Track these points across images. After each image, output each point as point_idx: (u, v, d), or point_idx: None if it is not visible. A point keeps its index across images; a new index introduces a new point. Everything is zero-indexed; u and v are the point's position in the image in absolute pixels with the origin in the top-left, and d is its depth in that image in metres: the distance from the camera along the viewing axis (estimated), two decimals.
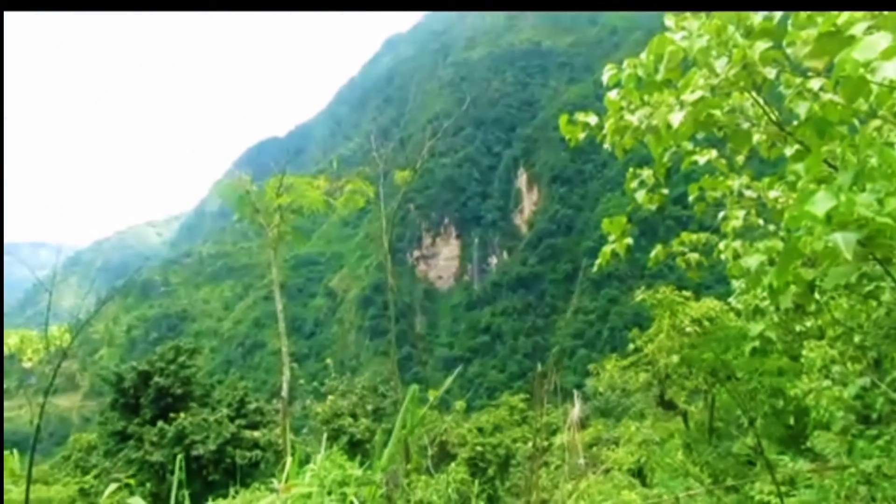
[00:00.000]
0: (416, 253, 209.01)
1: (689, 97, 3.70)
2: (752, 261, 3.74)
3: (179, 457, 4.23)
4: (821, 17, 3.17)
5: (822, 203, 2.48)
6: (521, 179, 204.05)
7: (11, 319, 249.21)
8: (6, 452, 5.83)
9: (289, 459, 3.24)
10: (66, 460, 30.83)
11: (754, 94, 3.82)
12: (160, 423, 23.44)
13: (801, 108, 3.72)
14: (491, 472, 24.49)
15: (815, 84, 3.67)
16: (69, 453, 31.25)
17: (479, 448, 24.89)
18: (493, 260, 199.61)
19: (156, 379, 25.06)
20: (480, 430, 26.48)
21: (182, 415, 23.76)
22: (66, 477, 27.22)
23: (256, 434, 24.26)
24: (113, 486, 3.47)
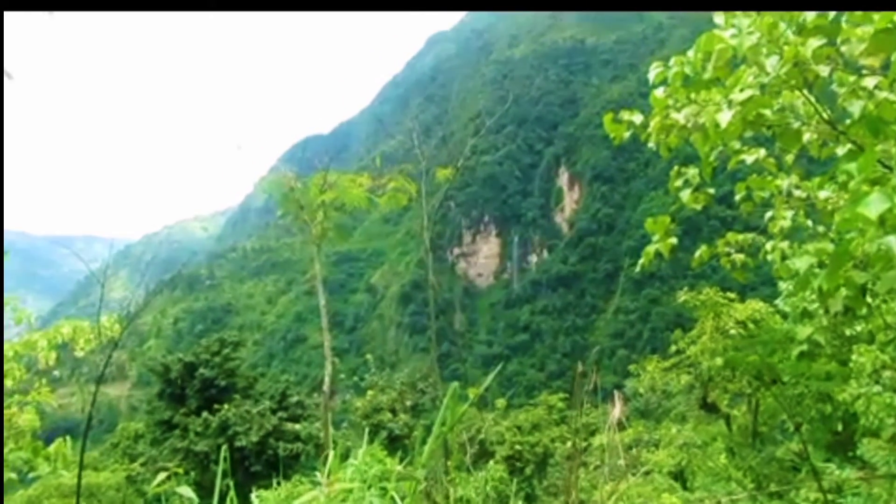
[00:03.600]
0: (457, 250, 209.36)
1: (738, 96, 3.64)
2: (800, 263, 3.66)
3: (223, 447, 4.33)
4: (877, 15, 3.08)
5: (875, 205, 2.38)
6: (563, 178, 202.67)
7: (65, 310, 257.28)
8: (59, 440, 6.04)
9: (330, 453, 3.28)
10: (114, 447, 31.70)
11: (806, 92, 3.74)
12: (205, 414, 23.90)
13: (855, 107, 3.62)
14: (528, 471, 24.42)
15: (870, 82, 3.57)
16: (117, 441, 32.11)
17: (517, 447, 24.84)
18: (533, 258, 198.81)
19: (201, 370, 25.57)
20: (519, 428, 26.43)
21: (226, 406, 24.19)
22: (115, 464, 28.04)
23: (297, 427, 24.58)
24: (162, 475, 3.57)
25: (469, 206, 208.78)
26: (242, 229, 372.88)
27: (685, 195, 4.74)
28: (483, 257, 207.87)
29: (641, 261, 5.09)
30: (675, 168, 4.85)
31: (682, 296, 13.70)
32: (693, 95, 3.94)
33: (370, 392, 24.21)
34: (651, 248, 4.87)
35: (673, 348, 15.20)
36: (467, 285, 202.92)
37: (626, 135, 4.41)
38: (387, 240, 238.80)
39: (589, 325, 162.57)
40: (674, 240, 4.83)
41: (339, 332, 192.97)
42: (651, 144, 4.25)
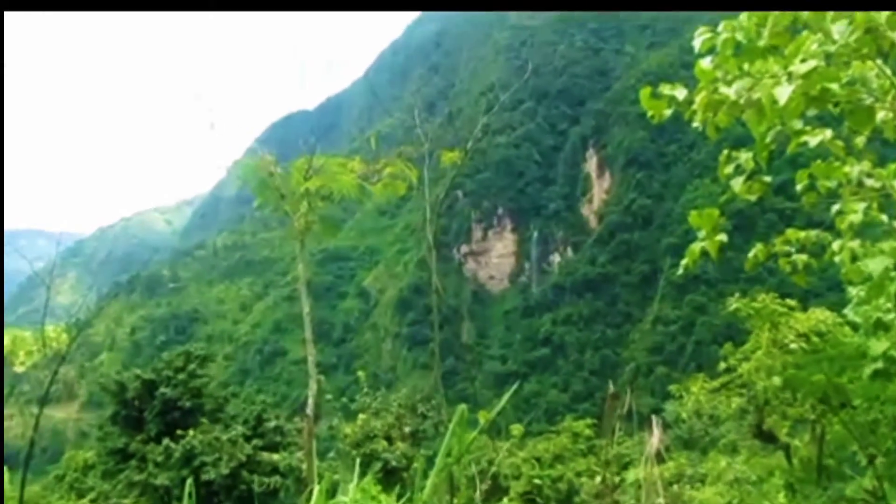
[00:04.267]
0: (465, 248, 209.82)
1: (799, 67, 3.63)
2: (874, 264, 3.66)
3: (188, 481, 4.34)
4: None
5: None
6: (591, 162, 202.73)
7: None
8: None
9: (315, 488, 3.30)
10: (59, 481, 31.71)
11: (879, 62, 3.73)
12: (166, 441, 23.95)
13: None
14: None
15: None
16: (63, 473, 32.17)
17: (536, 481, 24.82)
18: (556, 258, 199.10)
19: (162, 390, 25.64)
20: (538, 460, 26.42)
21: (191, 432, 24.23)
22: (60, 500, 28.11)
23: (276, 457, 24.64)
24: None
25: (480, 196, 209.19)
26: (212, 222, 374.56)
27: (737, 184, 4.74)
28: (496, 257, 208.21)
29: (684, 261, 5.09)
30: (725, 152, 4.85)
31: (733, 303, 13.66)
32: (746, 66, 3.93)
33: (362, 416, 24.24)
34: (696, 247, 4.87)
35: (722, 365, 15.18)
36: (477, 289, 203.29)
37: (667, 112, 4.40)
38: (382, 235, 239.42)
39: (622, 338, 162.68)
40: (723, 237, 4.83)
41: (326, 345, 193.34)
42: (696, 124, 4.25)
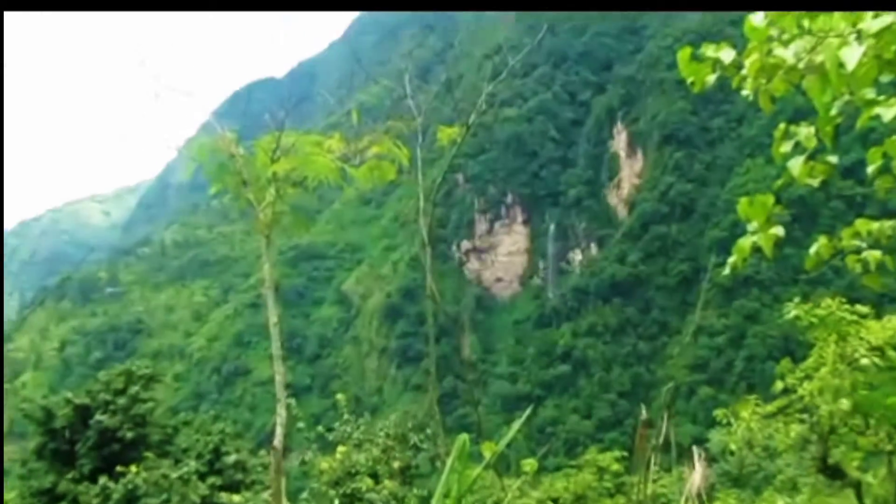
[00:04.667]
0: (466, 244, 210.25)
1: (871, 24, 3.63)
2: None
3: None
4: None
5: None
6: (619, 140, 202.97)
7: None
8: None
9: None
10: None
11: None
12: (103, 480, 23.85)
13: None
14: None
15: None
16: None
17: None
18: (577, 256, 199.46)
19: (98, 417, 25.58)
20: (556, 501, 26.45)
21: (134, 468, 24.15)
22: None
23: (237, 498, 24.60)
24: None
25: (485, 182, 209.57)
26: (160, 214, 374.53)
27: (795, 165, 4.72)
28: (505, 254, 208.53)
29: (732, 259, 5.08)
30: (781, 126, 4.84)
31: (792, 310, 13.68)
32: (807, 23, 3.93)
33: (341, 448, 24.25)
34: (746, 242, 4.86)
35: (778, 386, 15.20)
36: (482, 294, 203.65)
37: (711, 79, 4.40)
38: (366, 229, 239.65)
39: (657, 352, 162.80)
40: (779, 229, 4.81)
41: (298, 362, 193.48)
42: (746, 93, 4.24)
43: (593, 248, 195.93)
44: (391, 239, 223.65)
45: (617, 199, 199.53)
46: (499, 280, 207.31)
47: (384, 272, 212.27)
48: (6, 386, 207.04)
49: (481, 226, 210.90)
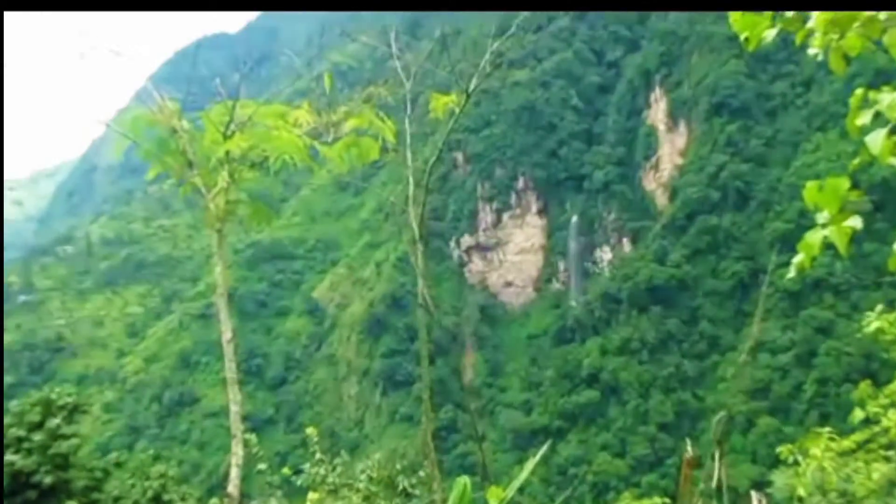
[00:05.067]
0: (468, 240, 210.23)
1: None
2: None
3: None
4: None
5: None
6: (658, 110, 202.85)
7: None
8: None
9: None
10: None
11: None
12: None
13: None
14: None
15: None
16: None
17: None
18: (605, 254, 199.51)
19: (10, 457, 25.56)
20: None
21: None
22: None
23: None
24: None
25: (490, 162, 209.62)
26: (84, 203, 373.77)
27: (876, 140, 4.71)
28: (515, 252, 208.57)
29: (798, 258, 5.07)
30: (858, 92, 4.82)
31: (874, 321, 13.70)
32: None
33: (313, 496, 24.27)
34: (815, 237, 4.85)
35: (858, 415, 15.20)
36: (487, 302, 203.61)
37: (770, 34, 4.39)
38: (342, 222, 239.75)
39: (706, 374, 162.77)
40: (856, 221, 4.80)
41: (258, 388, 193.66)
42: (814, 51, 4.24)
43: (626, 245, 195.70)
44: (374, 234, 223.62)
45: (655, 183, 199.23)
46: (508, 284, 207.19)
47: (365, 275, 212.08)
48: None
49: (486, 217, 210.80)
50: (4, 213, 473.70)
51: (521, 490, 4.20)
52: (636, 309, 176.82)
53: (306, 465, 26.26)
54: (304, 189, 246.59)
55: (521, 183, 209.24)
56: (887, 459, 15.73)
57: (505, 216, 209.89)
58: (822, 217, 4.78)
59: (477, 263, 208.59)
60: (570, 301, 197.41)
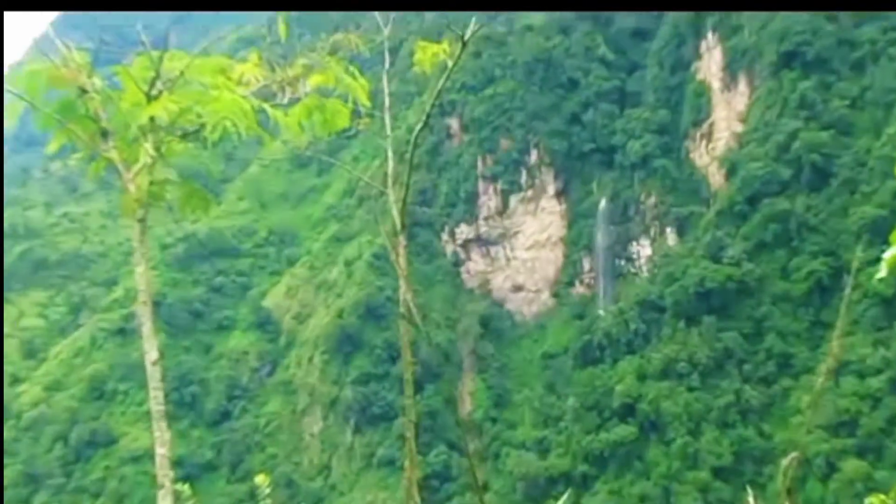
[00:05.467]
0: (465, 231, 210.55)
1: None
2: None
3: None
4: None
5: None
6: (709, 61, 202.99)
7: None
8: None
9: None
10: None
11: None
12: None
13: None
14: None
15: None
16: None
17: None
18: (644, 248, 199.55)
19: None
20: None
21: None
22: None
23: None
24: None
25: (494, 130, 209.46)
26: None
27: None
28: (527, 246, 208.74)
29: (891, 252, 5.08)
30: None
31: None
32: None
33: None
34: None
35: None
36: (491, 311, 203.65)
37: None
38: (302, 208, 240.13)
39: (774, 404, 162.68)
40: None
41: (194, 424, 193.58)
42: None
43: (670, 236, 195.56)
44: (343, 224, 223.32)
45: (707, 156, 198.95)
46: (518, 288, 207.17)
47: (332, 277, 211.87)
48: None
49: (489, 201, 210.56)
50: None
51: None
52: (683, 320, 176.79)
53: None
54: (253, 166, 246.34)
55: (533, 157, 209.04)
56: None
57: (513, 200, 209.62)
58: None
59: (477, 261, 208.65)
60: (598, 310, 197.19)
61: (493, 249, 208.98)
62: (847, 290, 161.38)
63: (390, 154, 11.95)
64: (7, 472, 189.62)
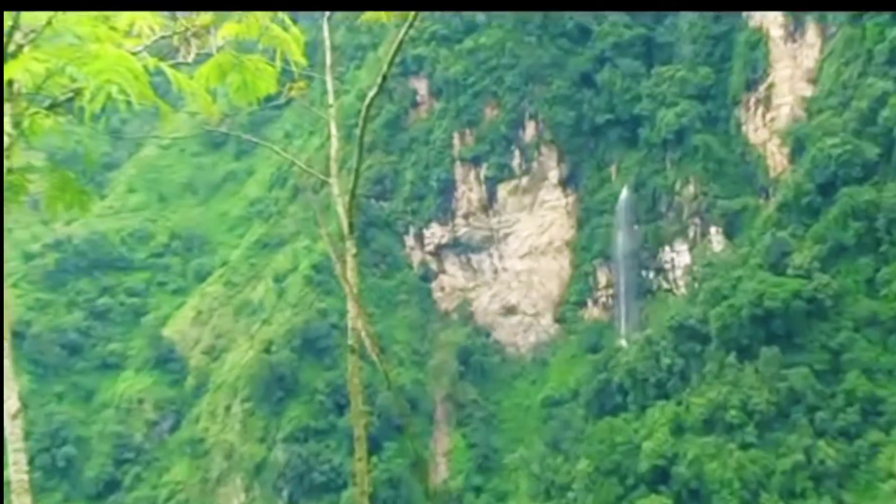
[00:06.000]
0: (437, 233, 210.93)
1: None
2: None
3: None
4: None
5: None
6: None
7: None
8: None
9: None
10: None
11: None
12: None
13: None
14: None
15: None
16: None
17: None
18: (679, 255, 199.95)
19: None
20: None
21: None
22: None
23: None
24: None
25: (476, 96, 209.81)
26: None
27: None
28: (522, 253, 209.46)
29: None
30: None
31: None
32: None
33: None
34: None
35: None
36: (473, 343, 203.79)
37: None
38: (214, 203, 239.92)
39: (858, 464, 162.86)
40: None
41: (70, 497, 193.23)
42: None
43: (715, 239, 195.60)
44: (270, 225, 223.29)
45: (765, 130, 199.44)
46: (509, 311, 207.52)
47: (256, 297, 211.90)
48: None
49: (469, 192, 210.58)
50: None
51: None
52: (734, 352, 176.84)
53: None
54: (147, 147, 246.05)
55: (529, 132, 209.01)
56: None
57: (502, 191, 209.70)
58: None
59: (454, 275, 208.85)
60: (619, 339, 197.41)
61: (475, 258, 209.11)
62: None
63: (334, 130, 12.00)
64: None
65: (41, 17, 8.62)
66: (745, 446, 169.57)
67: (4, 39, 8.61)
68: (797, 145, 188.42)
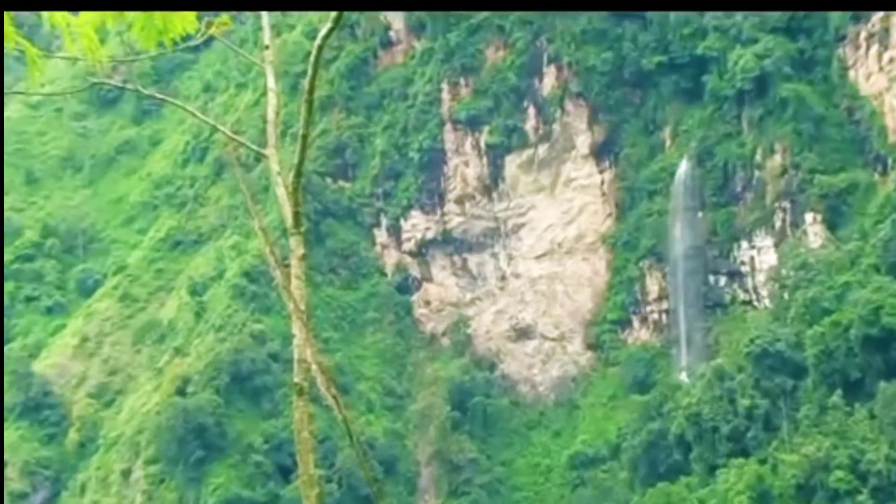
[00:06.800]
0: (418, 224, 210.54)
1: None
2: None
3: None
4: None
5: None
6: None
7: None
8: None
9: None
10: None
11: None
12: None
13: None
14: None
15: None
16: None
17: None
18: (762, 252, 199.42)
19: None
20: None
21: None
22: None
23: None
24: None
25: (474, 32, 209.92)
26: None
27: None
28: (539, 253, 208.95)
29: None
30: None
31: None
32: None
33: None
34: None
35: None
36: (471, 377, 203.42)
37: None
38: (103, 186, 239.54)
39: None
40: None
41: None
42: None
43: (811, 230, 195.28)
44: (184, 215, 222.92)
45: (881, 76, 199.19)
46: (522, 332, 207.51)
47: (164, 316, 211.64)
48: None
49: (465, 167, 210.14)
50: None
51: None
52: (840, 388, 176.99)
53: None
54: (9, 105, 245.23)
55: (549, 81, 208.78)
56: None
57: (511, 165, 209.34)
58: None
59: (444, 282, 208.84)
60: (678, 372, 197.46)
61: (473, 260, 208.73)
62: None
63: (272, 81, 12.07)
64: None
65: None
66: None
67: None
68: None
